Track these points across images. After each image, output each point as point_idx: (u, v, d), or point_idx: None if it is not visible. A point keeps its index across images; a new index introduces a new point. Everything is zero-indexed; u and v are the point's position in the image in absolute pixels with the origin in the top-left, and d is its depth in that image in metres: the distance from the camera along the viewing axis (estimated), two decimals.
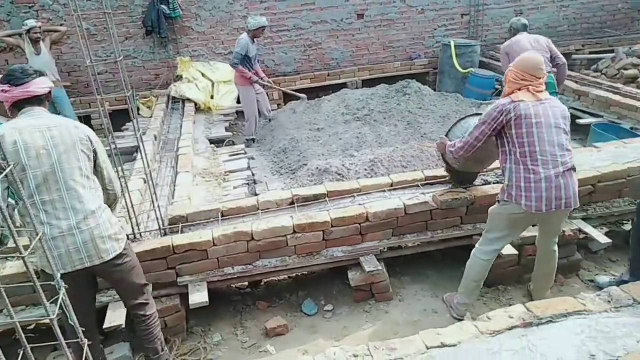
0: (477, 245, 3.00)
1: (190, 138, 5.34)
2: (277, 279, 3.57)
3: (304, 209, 3.44)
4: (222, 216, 3.38)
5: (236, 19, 7.46)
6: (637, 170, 3.58)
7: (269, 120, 6.69)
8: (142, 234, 3.17)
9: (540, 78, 2.68)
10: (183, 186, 4.06)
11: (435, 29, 8.33)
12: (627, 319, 2.12)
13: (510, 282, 3.47)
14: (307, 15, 7.67)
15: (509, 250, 3.21)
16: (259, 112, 6.42)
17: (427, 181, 3.70)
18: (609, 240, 3.38)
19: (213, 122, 6.43)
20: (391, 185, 3.68)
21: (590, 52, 8.55)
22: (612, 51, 8.05)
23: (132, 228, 3.08)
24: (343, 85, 7.94)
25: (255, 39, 6.06)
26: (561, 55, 4.93)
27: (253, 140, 6.41)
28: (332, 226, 3.19)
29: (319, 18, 7.75)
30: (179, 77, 7.18)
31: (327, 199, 3.52)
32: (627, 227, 3.90)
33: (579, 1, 8.73)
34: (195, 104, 6.75)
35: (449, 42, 7.64)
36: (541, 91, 2.69)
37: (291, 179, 5.04)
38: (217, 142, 5.87)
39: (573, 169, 2.66)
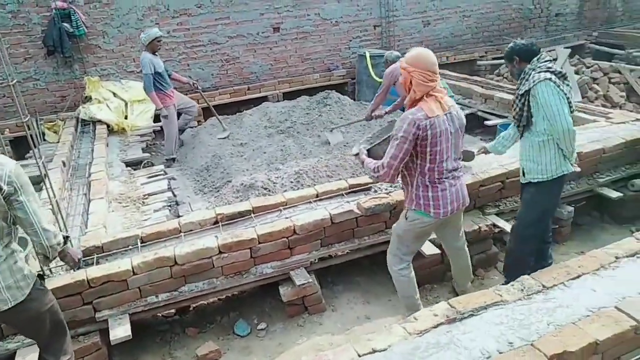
0: (392, 266, 3.01)
1: (104, 162, 5.03)
2: (206, 302, 3.43)
3: (230, 227, 3.35)
4: (141, 242, 3.20)
5: None
6: None
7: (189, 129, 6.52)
8: (51, 270, 2.91)
9: (437, 74, 2.59)
10: (97, 214, 3.80)
11: (350, 41, 8.58)
12: (538, 304, 2.27)
13: (436, 281, 3.61)
14: (222, 29, 7.58)
15: (431, 250, 3.34)
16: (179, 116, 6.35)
17: (352, 189, 3.77)
18: None
19: (128, 143, 6.11)
20: (317, 196, 3.70)
21: (493, 58, 9.25)
22: None
23: (41, 265, 2.81)
24: (264, 99, 7.92)
25: (156, 53, 5.89)
26: None
27: (173, 159, 6.19)
28: (259, 243, 3.14)
29: (235, 32, 7.69)
30: (88, 98, 6.76)
31: (253, 215, 3.46)
32: None
33: (478, 12, 9.41)
34: (108, 126, 6.38)
35: (364, 52, 7.90)
36: (443, 97, 2.62)
37: (216, 197, 4.92)
38: (134, 164, 5.59)
39: (460, 171, 2.82)
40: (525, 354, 1.97)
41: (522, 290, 2.37)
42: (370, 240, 3.50)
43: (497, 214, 3.80)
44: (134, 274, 2.88)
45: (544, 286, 2.39)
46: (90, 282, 2.78)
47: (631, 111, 5.87)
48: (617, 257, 2.57)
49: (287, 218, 3.35)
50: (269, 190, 4.62)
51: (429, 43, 9.09)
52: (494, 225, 3.68)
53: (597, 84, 7.12)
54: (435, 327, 2.16)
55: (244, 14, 7.65)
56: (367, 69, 7.77)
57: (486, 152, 3.62)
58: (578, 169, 3.14)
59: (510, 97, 6.35)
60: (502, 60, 8.55)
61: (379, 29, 8.69)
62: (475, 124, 6.75)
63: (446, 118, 2.60)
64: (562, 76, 2.89)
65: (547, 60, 2.92)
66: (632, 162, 4.30)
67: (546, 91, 2.79)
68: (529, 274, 2.52)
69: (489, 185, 3.75)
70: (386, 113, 5.87)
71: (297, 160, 5.42)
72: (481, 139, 6.40)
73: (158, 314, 3.29)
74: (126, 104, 6.77)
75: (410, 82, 2.56)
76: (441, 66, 8.90)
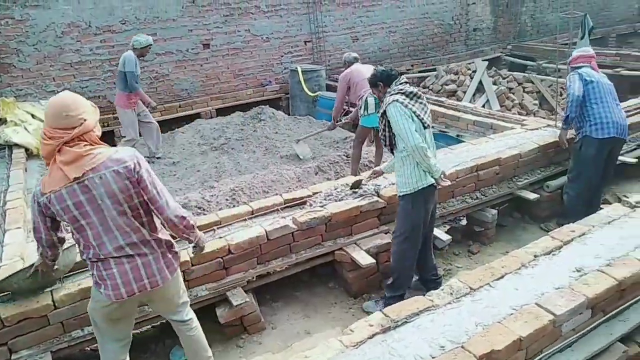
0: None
1: (22, 189, 4.67)
2: (139, 331, 3.26)
3: None
4: (64, 273, 2.99)
5: (68, 52, 6.84)
6: (464, 172, 4.09)
7: (157, 157, 6.31)
8: None
9: (73, 128, 1.97)
10: (14, 245, 3.51)
11: (282, 56, 8.64)
12: (467, 306, 2.37)
13: (373, 290, 3.67)
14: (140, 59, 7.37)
15: (367, 259, 3.40)
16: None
17: (287, 204, 3.76)
18: (450, 237, 3.80)
19: (47, 169, 5.73)
20: (252, 213, 3.66)
21: (419, 71, 9.68)
22: (434, 70, 9.22)
23: None
24: (197, 116, 7.78)
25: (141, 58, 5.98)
26: None
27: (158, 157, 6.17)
28: (192, 265, 3.05)
29: (163, 49, 7.50)
30: (2, 121, 6.28)
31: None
32: (464, 222, 4.41)
33: (403, 27, 9.85)
34: (27, 150, 5.95)
35: (296, 68, 7.99)
36: (73, 160, 1.99)
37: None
38: None
39: (146, 242, 2.24)
40: (456, 356, 2.04)
41: (451, 293, 2.46)
42: (308, 254, 3.51)
43: None
44: (56, 307, 2.68)
45: (471, 288, 2.50)
46: (5, 321, 2.56)
47: (544, 118, 6.37)
48: (535, 256, 2.75)
49: (221, 237, 3.28)
50: (204, 210, 4.52)
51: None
52: None
53: (513, 94, 7.65)
54: (371, 337, 2.19)
55: (171, 30, 7.50)
56: (300, 84, 7.86)
57: (380, 174, 3.74)
58: (446, 183, 3.20)
59: (436, 108, 6.67)
60: (427, 73, 9.01)
61: (310, 44, 8.84)
62: None
63: (77, 188, 2.00)
64: (415, 95, 3.09)
65: (402, 83, 3.14)
66: (545, 165, 4.65)
67: (394, 111, 2.99)
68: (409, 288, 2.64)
69: None
70: (346, 122, 5.95)
71: (232, 177, 5.35)
72: None
73: (86, 348, 3.08)
74: None
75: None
76: None
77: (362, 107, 5.12)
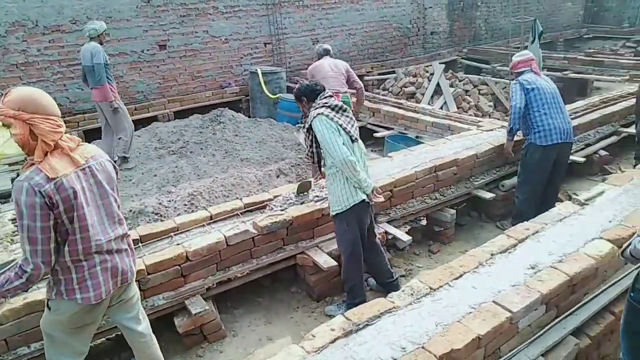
0: None
1: None
2: (93, 344, 3.11)
3: None
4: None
5: (13, 53, 6.49)
6: (423, 173, 4.15)
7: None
8: None
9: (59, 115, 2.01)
10: None
11: (241, 58, 8.53)
12: (427, 307, 2.39)
13: (336, 293, 3.65)
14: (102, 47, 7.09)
15: (329, 262, 3.38)
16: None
17: (247, 208, 3.70)
18: (410, 238, 3.84)
19: None
20: (211, 218, 3.57)
21: (379, 74, 9.79)
22: (394, 72, 9.35)
23: None
24: (153, 119, 7.55)
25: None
26: (359, 80, 5.53)
27: (126, 158, 5.93)
28: (148, 274, 2.93)
29: (117, 50, 7.24)
30: None
31: (140, 244, 3.23)
32: (424, 222, 4.48)
33: (363, 30, 9.94)
34: None
35: (256, 70, 7.89)
36: (76, 147, 2.07)
37: None
38: (2, 197, 4.96)
39: (125, 238, 2.28)
40: (417, 357, 2.05)
41: (412, 294, 2.48)
42: (269, 259, 3.46)
43: (388, 222, 3.97)
44: None
45: (431, 288, 2.53)
46: None
47: (498, 119, 6.57)
48: (492, 254, 2.81)
49: (178, 244, 3.18)
50: (161, 216, 4.37)
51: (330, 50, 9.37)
52: (387, 233, 3.83)
53: (469, 96, 7.86)
54: (333, 342, 2.17)
55: (125, 30, 7.25)
56: (260, 85, 7.78)
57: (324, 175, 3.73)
58: (379, 199, 3.16)
59: (396, 110, 6.76)
60: (387, 76, 9.13)
61: (270, 46, 8.77)
62: (367, 136, 7.07)
63: (81, 174, 2.04)
64: (340, 109, 3.03)
65: (327, 97, 3.08)
66: (500, 165, 4.79)
67: (319, 125, 2.93)
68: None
69: None
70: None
71: (190, 182, 5.21)
72: (372, 150, 6.70)
73: None
74: None
75: (32, 133, 1.93)
76: None
77: None
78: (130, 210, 4.41)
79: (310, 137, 3.07)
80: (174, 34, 7.70)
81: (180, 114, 7.78)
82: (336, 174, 3.01)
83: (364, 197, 3.04)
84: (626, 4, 14.35)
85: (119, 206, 2.24)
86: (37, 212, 1.89)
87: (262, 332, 3.29)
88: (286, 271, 3.70)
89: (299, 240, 3.59)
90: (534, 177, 4.20)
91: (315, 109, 3.03)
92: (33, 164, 1.95)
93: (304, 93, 3.13)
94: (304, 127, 3.07)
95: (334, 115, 2.97)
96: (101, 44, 5.72)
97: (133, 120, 7.25)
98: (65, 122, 6.26)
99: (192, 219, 3.51)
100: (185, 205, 4.59)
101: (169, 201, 4.63)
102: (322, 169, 3.13)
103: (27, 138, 1.93)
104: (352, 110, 5.38)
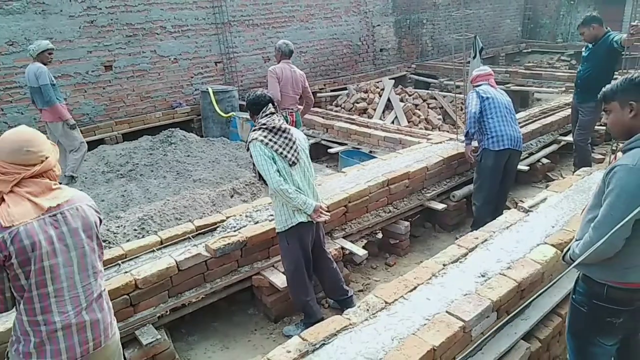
0: None
1: None
2: None
3: None
4: None
5: None
6: (376, 187, 4.20)
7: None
8: None
9: (34, 165, 1.79)
10: None
11: (192, 77, 8.41)
12: (383, 321, 2.39)
13: (294, 312, 3.60)
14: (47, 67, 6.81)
15: (285, 282, 3.33)
16: None
17: (199, 231, 3.60)
18: (366, 252, 3.85)
19: None
20: (161, 243, 3.45)
21: (331, 90, 9.92)
22: (346, 88, 9.50)
23: None
24: (101, 142, 7.28)
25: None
26: (311, 95, 5.47)
27: (73, 178, 5.70)
28: None
29: (60, 72, 6.96)
30: None
31: None
32: (379, 236, 4.52)
33: (313, 48, 10.07)
34: None
35: (207, 89, 7.80)
36: (44, 191, 1.83)
37: None
38: None
39: (99, 296, 1.97)
40: None
41: (367, 310, 2.47)
42: (224, 282, 3.37)
43: (344, 237, 3.98)
44: None
45: (386, 302, 2.53)
46: None
47: (447, 132, 6.79)
48: (444, 265, 2.86)
49: (126, 272, 3.04)
50: (109, 243, 4.18)
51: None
52: (342, 248, 3.83)
53: (419, 110, 8.09)
54: None
55: (67, 52, 7.00)
56: (212, 104, 7.69)
57: None
58: (323, 218, 3.12)
59: (348, 125, 6.84)
60: (339, 92, 9.26)
61: (221, 65, 8.71)
62: (322, 152, 7.11)
63: (48, 221, 1.80)
64: (279, 130, 2.96)
65: (267, 115, 3.00)
66: (450, 176, 4.93)
67: (254, 151, 2.93)
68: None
69: (334, 210, 3.91)
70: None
71: (140, 206, 5.03)
72: (327, 166, 6.74)
73: None
74: None
75: None
76: None
77: None
78: None
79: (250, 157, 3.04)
80: (120, 54, 7.50)
81: (129, 136, 7.55)
82: (274, 195, 3.01)
83: (303, 219, 3.03)
84: (559, 21, 15.34)
85: (99, 255, 1.99)
86: None
87: (218, 359, 3.18)
88: (242, 293, 3.62)
89: (254, 260, 3.52)
90: (488, 182, 4.36)
91: (254, 130, 3.00)
92: None
93: (249, 107, 3.11)
94: (246, 143, 3.05)
95: (270, 140, 2.92)
96: (44, 63, 5.46)
97: None
98: None
99: (141, 245, 3.38)
100: (135, 230, 4.42)
101: (118, 227, 4.45)
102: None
103: None
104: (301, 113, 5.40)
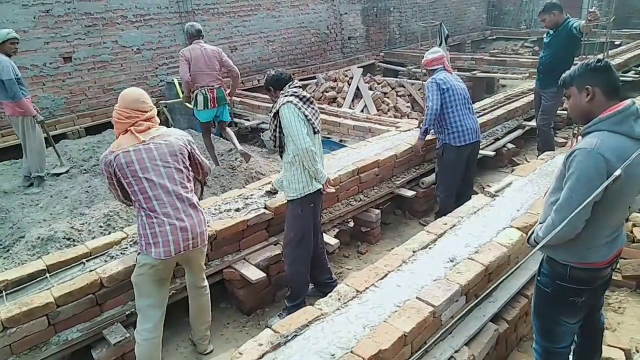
0: (137, 327, 2.73)
1: None
2: None
3: (18, 295, 2.80)
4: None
5: None
6: (346, 176, 4.20)
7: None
8: None
9: (145, 112, 2.60)
10: None
11: (156, 68, 8.19)
12: (355, 310, 2.40)
13: (267, 304, 3.59)
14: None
15: (257, 274, 3.31)
16: None
17: None
18: (338, 241, 3.86)
19: None
20: (128, 239, 3.35)
21: (300, 79, 9.84)
22: (315, 77, 9.45)
23: None
24: (62, 137, 7.02)
25: (10, 56, 5.19)
26: (234, 67, 5.57)
27: (42, 178, 5.49)
28: (58, 306, 2.69)
29: (16, 64, 6.62)
30: None
31: (48, 274, 2.95)
32: (351, 224, 4.53)
33: (281, 37, 9.95)
34: None
35: (173, 80, 7.59)
36: (145, 130, 2.59)
37: (5, 258, 4.11)
38: None
39: (193, 205, 2.68)
40: None
41: (339, 299, 2.48)
42: None
43: None
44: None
45: (357, 291, 2.54)
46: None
47: (416, 119, 6.84)
48: (414, 251, 2.89)
49: (91, 271, 2.95)
50: (74, 241, 4.05)
51: (238, 67, 9.19)
52: None
53: (388, 98, 8.12)
54: (261, 357, 2.11)
55: (23, 43, 6.60)
56: (178, 95, 7.49)
57: (275, 192, 3.83)
58: (330, 190, 3.30)
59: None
60: (308, 81, 9.19)
61: None
62: None
63: (139, 148, 2.53)
64: (307, 100, 3.15)
65: (296, 87, 3.20)
66: (419, 163, 4.98)
67: (287, 112, 3.03)
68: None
69: None
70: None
71: (106, 202, 4.88)
72: None
73: None
74: None
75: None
76: (254, 89, 9.11)
77: (194, 104, 5.43)
78: (38, 238, 4.04)
79: (275, 122, 3.12)
80: (79, 46, 7.23)
81: (92, 130, 7.32)
82: (294, 162, 3.09)
83: (320, 186, 3.16)
84: (522, 8, 15.64)
85: (187, 175, 2.71)
86: (106, 175, 2.60)
87: (191, 354, 3.14)
88: (214, 287, 3.56)
89: (224, 254, 3.47)
90: (451, 176, 4.38)
91: (285, 96, 3.09)
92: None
93: (271, 83, 3.23)
94: (270, 112, 3.18)
95: (302, 106, 3.07)
96: (8, 55, 5.17)
97: None
98: None
99: (107, 242, 3.28)
100: (100, 227, 4.30)
101: (82, 224, 4.32)
102: (282, 155, 3.21)
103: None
104: (227, 94, 5.57)
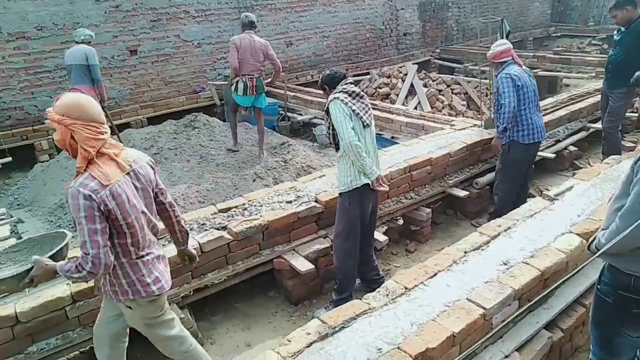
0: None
1: None
2: (65, 359, 3.02)
3: None
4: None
5: None
6: (397, 173, 4.18)
7: None
8: None
9: (104, 124, 2.03)
10: None
11: (215, 62, 8.46)
12: (402, 307, 2.40)
13: (314, 295, 3.64)
14: None
15: (306, 265, 3.37)
16: None
17: (222, 214, 3.65)
18: (387, 238, 3.86)
19: None
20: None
21: (353, 75, 9.83)
22: (368, 73, 9.41)
23: None
24: (126, 126, 7.42)
25: None
26: (278, 62, 5.90)
27: None
28: None
29: None
30: None
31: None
32: (400, 222, 4.50)
33: (336, 32, 9.97)
34: None
35: (230, 73, 7.82)
36: (119, 153, 2.07)
37: (74, 237, 4.42)
38: None
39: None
40: (392, 357, 2.06)
41: (387, 295, 2.49)
42: (245, 265, 3.42)
43: None
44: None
45: (406, 288, 2.54)
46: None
47: (471, 118, 6.67)
48: (465, 252, 2.84)
49: None
50: None
51: (293, 62, 9.39)
52: None
53: (442, 95, 7.96)
54: (309, 346, 2.16)
55: (94, 36, 7.10)
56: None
57: None
58: (383, 188, 3.25)
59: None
60: (361, 77, 9.17)
61: None
62: None
63: (129, 179, 2.09)
64: (357, 95, 3.19)
65: (348, 83, 3.24)
66: (473, 163, 4.86)
67: (333, 108, 3.10)
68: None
69: None
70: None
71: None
72: None
73: None
74: None
75: (73, 138, 1.96)
76: (307, 84, 9.21)
77: (234, 88, 5.79)
78: None
79: (328, 119, 3.21)
80: (144, 39, 7.59)
81: (153, 120, 7.66)
82: (344, 156, 3.15)
83: (367, 181, 3.16)
84: (590, 3, 14.77)
85: (163, 196, 2.36)
86: (95, 214, 1.93)
87: (240, 339, 3.25)
88: (264, 275, 3.67)
89: (275, 244, 3.56)
90: (514, 174, 4.24)
91: (334, 93, 3.19)
92: (84, 171, 1.98)
93: (326, 82, 3.30)
94: (324, 109, 3.27)
95: (349, 101, 3.12)
96: None
97: None
98: (33, 130, 6.18)
99: (163, 227, 3.44)
100: None
101: None
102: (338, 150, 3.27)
103: (67, 143, 1.97)
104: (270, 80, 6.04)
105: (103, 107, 5.75)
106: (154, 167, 2.28)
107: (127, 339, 2.59)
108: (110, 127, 6.13)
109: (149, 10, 7.52)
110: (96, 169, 1.97)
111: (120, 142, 6.28)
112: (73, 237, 2.49)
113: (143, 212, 2.14)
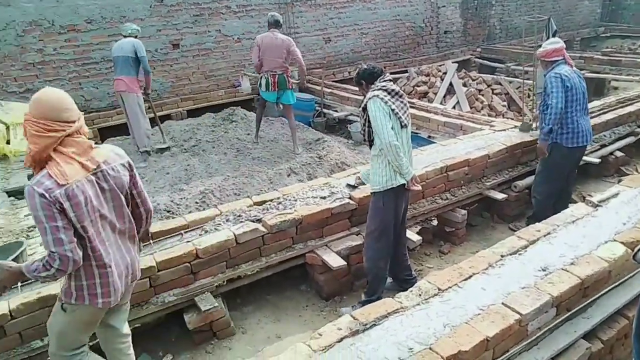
0: None
1: None
2: None
3: None
4: (21, 282, 2.86)
5: (30, 52, 6.60)
6: (433, 173, 4.13)
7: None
8: None
9: (73, 122, 1.95)
10: None
11: None
12: (435, 307, 2.37)
13: (345, 291, 3.65)
14: None
15: (338, 261, 3.38)
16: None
17: (257, 207, 3.70)
18: (420, 238, 3.82)
19: (11, 171, 5.52)
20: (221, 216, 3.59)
21: (391, 73, 9.74)
22: (406, 71, 9.30)
23: None
24: (167, 117, 7.62)
25: None
26: (300, 60, 5.93)
27: (148, 152, 6.15)
28: (158, 270, 2.96)
29: None
30: None
31: (151, 241, 3.26)
32: (434, 222, 4.45)
33: (375, 29, 9.90)
34: None
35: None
36: (88, 151, 2.01)
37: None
38: (17, 193, 5.05)
39: (132, 237, 2.27)
40: (424, 357, 2.04)
41: (419, 295, 2.47)
42: (279, 258, 3.47)
43: None
44: (12, 318, 2.57)
45: (439, 289, 2.51)
46: None
47: (512, 119, 6.49)
48: (502, 256, 2.78)
49: (188, 242, 3.20)
50: (172, 213, 4.42)
51: (331, 59, 9.39)
52: None
53: (482, 95, 7.78)
54: (340, 341, 2.17)
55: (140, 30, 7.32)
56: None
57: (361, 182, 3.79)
58: (416, 188, 3.22)
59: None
60: (399, 75, 9.07)
61: None
62: None
63: (94, 179, 2.00)
64: (397, 94, 3.11)
65: (386, 80, 3.16)
66: (513, 165, 4.74)
67: (372, 106, 3.02)
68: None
69: None
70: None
71: (202, 180, 5.25)
72: None
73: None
74: (8, 128, 6.12)
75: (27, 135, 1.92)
76: (344, 81, 9.18)
77: (258, 84, 6.04)
78: None
79: (364, 116, 3.17)
80: (187, 33, 7.76)
81: (193, 113, 7.85)
82: (380, 155, 3.10)
83: (403, 181, 3.12)
84: None
85: (142, 202, 2.29)
86: (54, 211, 1.86)
87: (270, 330, 3.30)
88: (296, 269, 3.71)
89: (308, 239, 3.59)
90: (555, 177, 4.11)
91: (373, 90, 3.11)
92: (42, 169, 1.91)
93: (363, 77, 3.23)
94: (360, 106, 3.22)
95: (389, 99, 3.06)
96: None
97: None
98: None
99: (203, 217, 3.54)
100: (196, 203, 4.63)
101: (181, 199, 4.68)
102: (371, 148, 3.22)
103: (27, 139, 1.92)
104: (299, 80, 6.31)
105: (147, 96, 6.03)
106: (131, 169, 2.19)
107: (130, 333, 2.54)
108: (152, 118, 6.39)
109: (192, 5, 7.69)
110: (54, 167, 1.89)
111: (162, 133, 6.52)
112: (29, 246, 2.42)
113: (103, 215, 2.03)
